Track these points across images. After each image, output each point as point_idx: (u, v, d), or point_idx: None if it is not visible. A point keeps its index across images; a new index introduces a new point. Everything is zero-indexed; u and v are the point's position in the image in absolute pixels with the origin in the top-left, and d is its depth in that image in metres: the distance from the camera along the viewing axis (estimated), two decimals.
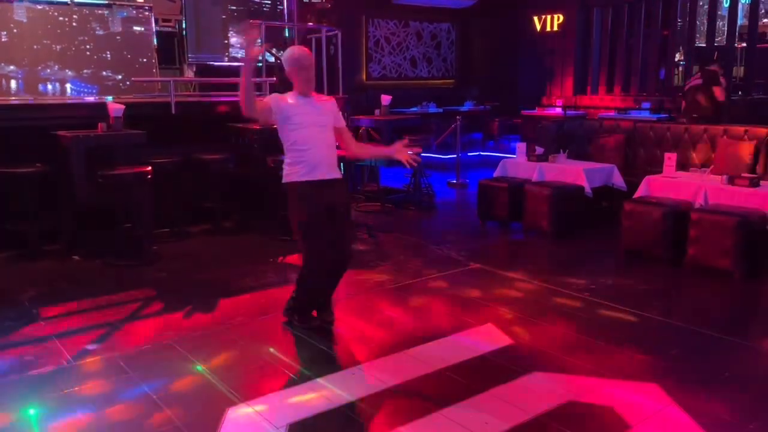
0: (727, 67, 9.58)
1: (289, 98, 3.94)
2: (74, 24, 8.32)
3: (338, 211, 3.97)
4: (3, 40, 7.80)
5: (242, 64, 3.82)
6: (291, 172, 3.92)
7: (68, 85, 8.37)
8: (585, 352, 3.76)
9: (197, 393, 3.30)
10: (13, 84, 7.98)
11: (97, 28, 8.51)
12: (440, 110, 12.09)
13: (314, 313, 4.17)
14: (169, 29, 9.93)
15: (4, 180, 5.62)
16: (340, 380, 3.43)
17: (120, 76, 8.63)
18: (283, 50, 10.28)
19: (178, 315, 4.35)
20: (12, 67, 7.93)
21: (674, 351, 3.79)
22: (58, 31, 8.20)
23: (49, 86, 8.26)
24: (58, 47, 8.19)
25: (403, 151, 4.00)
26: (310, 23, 9.77)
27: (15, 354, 3.73)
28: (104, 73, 8.57)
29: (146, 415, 3.07)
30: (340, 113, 4.14)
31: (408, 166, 4.02)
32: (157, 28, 9.23)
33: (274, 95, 4.01)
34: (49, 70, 8.19)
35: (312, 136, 3.88)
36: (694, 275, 5.17)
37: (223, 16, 10.25)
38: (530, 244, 6.41)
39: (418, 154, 4.97)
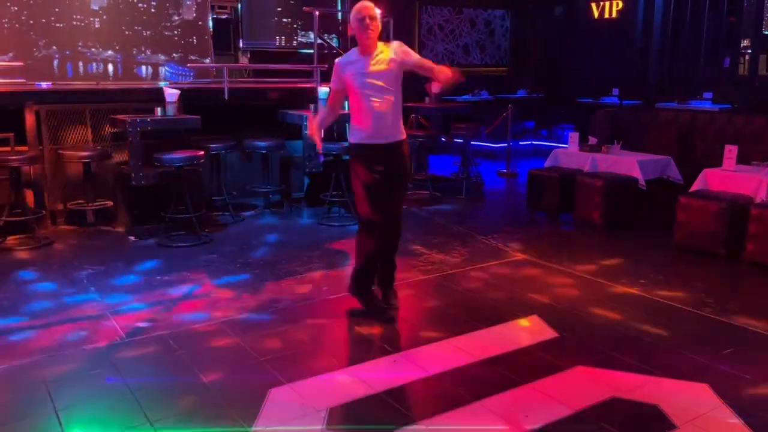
0: None
1: (350, 63, 3.87)
2: (153, 10, 8.64)
3: (393, 178, 3.92)
4: (96, 26, 8.16)
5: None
6: (352, 134, 4.02)
7: (161, 69, 8.79)
8: (632, 348, 3.68)
9: (242, 373, 3.37)
10: (110, 68, 8.39)
11: (173, 13, 8.82)
12: (492, 98, 11.93)
13: (378, 293, 4.21)
14: (225, 16, 10.12)
15: (67, 161, 5.86)
16: (382, 367, 3.45)
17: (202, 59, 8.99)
18: (335, 35, 10.38)
19: (226, 296, 4.46)
20: (110, 52, 8.30)
21: (728, 350, 3.67)
22: (144, 17, 8.54)
23: (143, 69, 8.67)
24: (147, 32, 8.56)
25: (444, 73, 3.85)
26: None
27: (72, 329, 3.90)
28: (159, 55, 8.82)
29: (192, 393, 3.17)
30: (409, 52, 3.91)
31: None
32: (213, 15, 9.41)
33: (336, 70, 3.91)
34: (143, 55, 8.56)
35: (369, 100, 3.82)
36: (752, 273, 4.98)
37: (279, 9, 10.36)
38: (580, 236, 6.28)
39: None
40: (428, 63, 3.97)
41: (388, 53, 3.87)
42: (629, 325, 4.01)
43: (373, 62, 3.84)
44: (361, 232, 4.10)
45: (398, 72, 3.89)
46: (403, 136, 4.01)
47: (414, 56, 3.95)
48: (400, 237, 4.19)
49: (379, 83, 3.83)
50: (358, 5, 3.83)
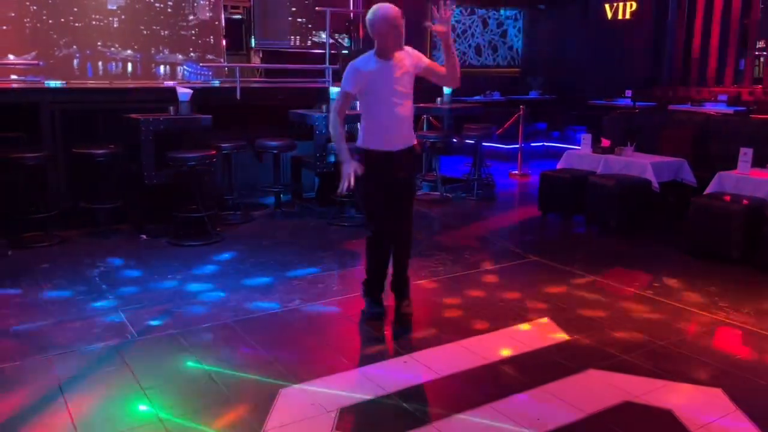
0: None
1: (367, 65, 3.79)
2: (169, 10, 8.70)
3: (400, 184, 3.88)
4: (115, 26, 8.24)
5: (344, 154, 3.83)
6: (363, 139, 3.90)
7: (162, 67, 8.84)
8: (644, 351, 3.65)
9: (252, 372, 3.37)
10: (129, 67, 8.47)
11: (189, 13, 8.89)
12: (504, 99, 11.90)
13: (391, 301, 4.15)
14: (238, 16, 10.16)
15: (80, 160, 5.89)
16: (393, 368, 3.44)
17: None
18: (347, 35, 10.39)
19: (237, 296, 4.46)
20: (129, 52, 8.38)
21: (741, 355, 3.63)
22: (162, 17, 8.61)
23: (161, 68, 8.74)
24: (165, 32, 8.64)
25: (440, 22, 3.64)
26: None
27: (83, 326, 3.92)
28: (177, 55, 8.88)
29: (202, 392, 3.17)
30: (421, 57, 3.88)
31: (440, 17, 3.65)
32: (226, 15, 9.46)
33: (352, 70, 3.80)
34: (161, 55, 8.66)
35: (387, 106, 3.78)
36: (766, 277, 4.93)
37: (293, 8, 10.37)
38: (592, 239, 6.25)
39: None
40: (437, 66, 3.96)
41: (406, 58, 3.85)
42: (641, 328, 3.97)
43: (397, 67, 3.81)
44: (371, 242, 4.06)
45: (413, 76, 3.89)
46: (415, 141, 4.00)
47: (426, 60, 3.93)
48: (411, 247, 4.13)
49: (403, 89, 3.82)
50: (390, 10, 3.73)
